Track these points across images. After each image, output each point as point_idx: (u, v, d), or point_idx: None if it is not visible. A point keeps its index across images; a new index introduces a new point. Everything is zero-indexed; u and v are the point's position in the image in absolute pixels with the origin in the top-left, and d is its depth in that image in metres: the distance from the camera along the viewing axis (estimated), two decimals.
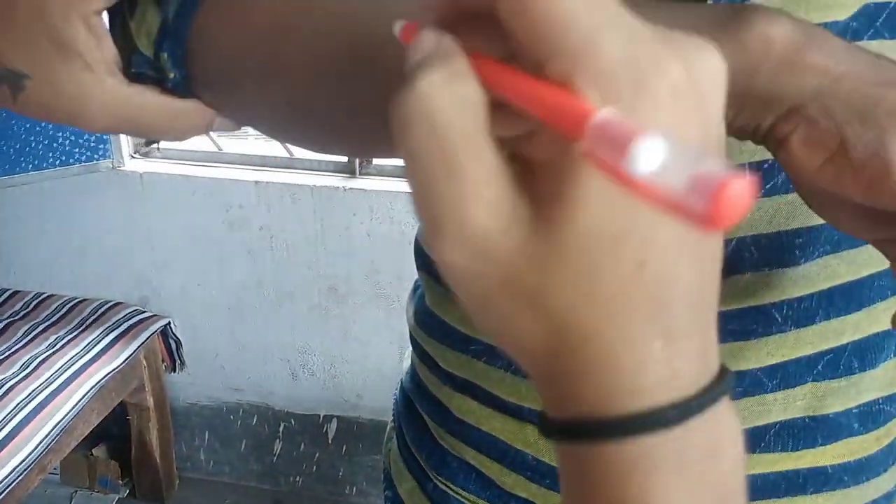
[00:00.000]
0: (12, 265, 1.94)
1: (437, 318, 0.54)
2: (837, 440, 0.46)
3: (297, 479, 1.95)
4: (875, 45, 0.36)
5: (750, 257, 0.42)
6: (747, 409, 0.44)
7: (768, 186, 0.41)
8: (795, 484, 0.47)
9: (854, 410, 0.46)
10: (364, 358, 1.83)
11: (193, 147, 1.86)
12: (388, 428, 0.66)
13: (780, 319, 0.43)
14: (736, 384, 0.44)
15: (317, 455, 1.94)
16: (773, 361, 0.44)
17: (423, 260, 0.56)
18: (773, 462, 0.46)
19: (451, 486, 0.55)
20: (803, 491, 0.47)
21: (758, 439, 0.46)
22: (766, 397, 0.44)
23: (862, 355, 0.45)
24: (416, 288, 0.60)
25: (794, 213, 0.41)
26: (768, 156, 0.40)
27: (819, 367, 0.45)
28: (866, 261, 0.44)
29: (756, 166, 0.41)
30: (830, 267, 0.43)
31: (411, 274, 0.58)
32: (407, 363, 0.64)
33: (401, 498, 0.61)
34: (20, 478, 1.36)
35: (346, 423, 1.91)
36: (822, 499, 0.47)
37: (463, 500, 0.55)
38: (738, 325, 0.43)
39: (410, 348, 0.61)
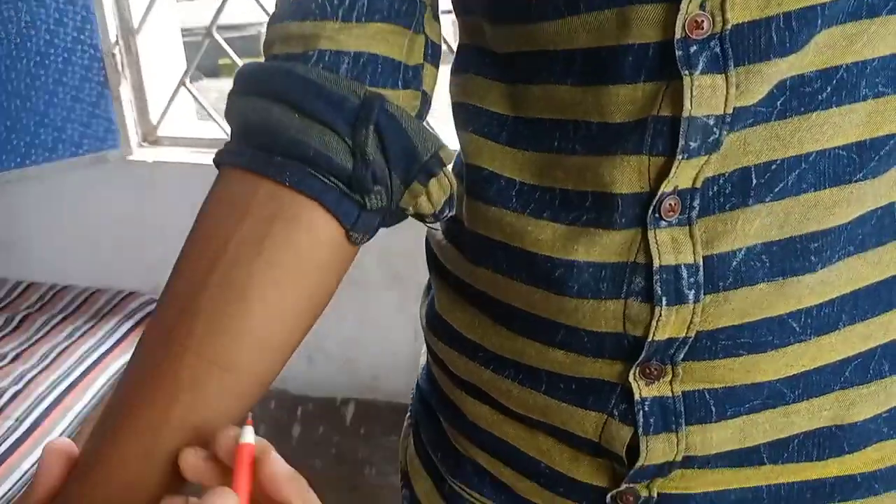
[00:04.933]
0: (27, 257, 1.95)
1: (446, 323, 0.53)
2: (866, 447, 0.45)
3: (317, 461, 1.96)
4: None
5: (762, 266, 0.40)
6: (769, 421, 0.43)
7: (777, 188, 0.39)
8: (822, 493, 0.45)
9: (884, 415, 0.44)
10: (380, 340, 1.84)
11: (202, 134, 1.85)
12: (405, 425, 0.66)
13: (798, 329, 0.41)
14: (753, 397, 0.42)
15: (335, 438, 1.95)
16: (794, 372, 0.42)
17: (434, 261, 0.56)
18: (797, 472, 0.45)
19: (466, 488, 0.55)
20: (831, 499, 0.45)
21: (781, 451, 0.44)
22: (788, 408, 0.43)
23: (893, 358, 0.43)
24: (429, 288, 0.59)
25: (808, 216, 0.39)
26: (776, 156, 0.39)
27: (846, 373, 0.43)
28: (893, 259, 0.42)
29: (763, 168, 0.39)
30: (853, 269, 0.41)
31: (425, 258, 0.57)
32: (423, 360, 0.64)
33: (417, 497, 0.61)
34: None
35: (363, 406, 1.92)
36: None
37: (477, 502, 0.54)
38: (751, 338, 0.41)
39: (425, 345, 0.61)
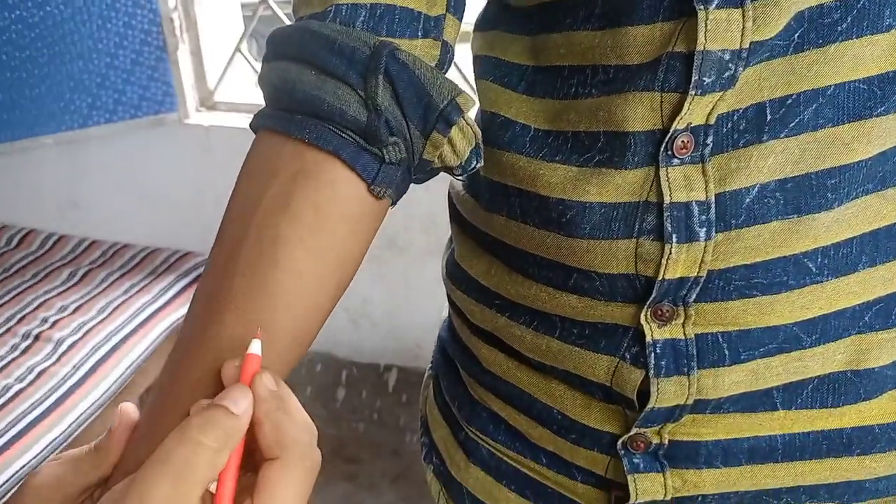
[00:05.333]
0: (90, 216, 2.03)
1: (464, 270, 0.53)
2: (883, 393, 0.44)
3: (360, 424, 2.00)
4: None
5: (775, 204, 0.39)
6: (782, 365, 0.42)
7: (793, 124, 0.38)
8: (839, 444, 0.44)
9: None
10: (423, 309, 1.85)
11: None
12: (426, 376, 0.67)
13: (814, 269, 0.40)
14: (768, 340, 0.41)
15: (378, 403, 1.99)
16: (811, 315, 0.41)
17: (454, 211, 0.56)
18: (812, 419, 0.44)
19: (481, 435, 0.56)
20: (848, 452, 0.44)
21: (794, 396, 0.44)
22: (804, 353, 0.42)
23: None
24: (451, 240, 0.60)
25: (826, 152, 0.38)
26: (792, 90, 0.38)
27: (866, 318, 0.42)
28: None
29: (778, 103, 0.38)
30: (872, 208, 0.40)
31: None
32: (445, 313, 0.64)
33: (436, 444, 0.62)
34: (98, 413, 1.45)
35: (405, 374, 1.95)
36: (870, 461, 0.45)
37: (493, 450, 0.55)
38: (765, 278, 0.40)
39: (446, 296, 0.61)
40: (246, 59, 1.84)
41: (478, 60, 0.50)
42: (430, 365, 0.67)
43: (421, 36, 0.41)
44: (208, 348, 0.38)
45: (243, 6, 1.97)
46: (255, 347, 0.36)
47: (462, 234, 0.55)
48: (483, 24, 0.51)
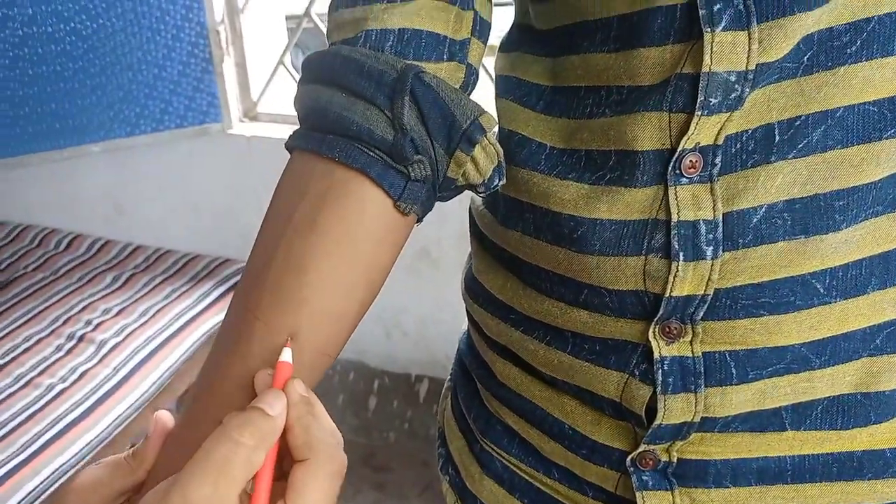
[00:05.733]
0: (135, 221, 2.09)
1: (480, 284, 0.54)
2: (894, 417, 0.43)
3: (390, 434, 2.02)
4: None
5: (783, 224, 0.39)
6: (790, 385, 0.42)
7: (801, 145, 0.38)
8: (850, 468, 0.44)
9: None
10: (455, 320, 1.86)
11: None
12: (444, 387, 0.68)
13: (822, 290, 0.40)
14: (776, 360, 0.41)
15: (409, 413, 2.00)
16: (819, 336, 0.41)
17: (473, 226, 0.57)
18: (822, 441, 0.44)
19: (496, 448, 0.56)
20: (860, 476, 0.44)
21: (803, 416, 0.43)
22: (812, 374, 0.42)
23: None
24: (470, 255, 0.61)
25: (834, 174, 0.38)
26: (801, 112, 0.38)
27: (877, 341, 0.41)
28: None
29: (787, 124, 0.38)
30: (882, 230, 0.40)
31: None
32: (465, 326, 0.65)
33: (452, 456, 0.63)
34: (136, 414, 1.49)
35: (436, 385, 1.96)
36: (882, 486, 0.44)
37: (506, 463, 0.56)
38: (772, 298, 0.40)
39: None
40: (288, 71, 1.88)
41: (499, 80, 0.52)
42: (449, 376, 0.68)
43: (446, 59, 0.43)
44: (239, 359, 0.39)
45: (287, 18, 2.02)
46: (287, 355, 0.38)
47: (480, 249, 0.56)
48: (507, 45, 0.52)
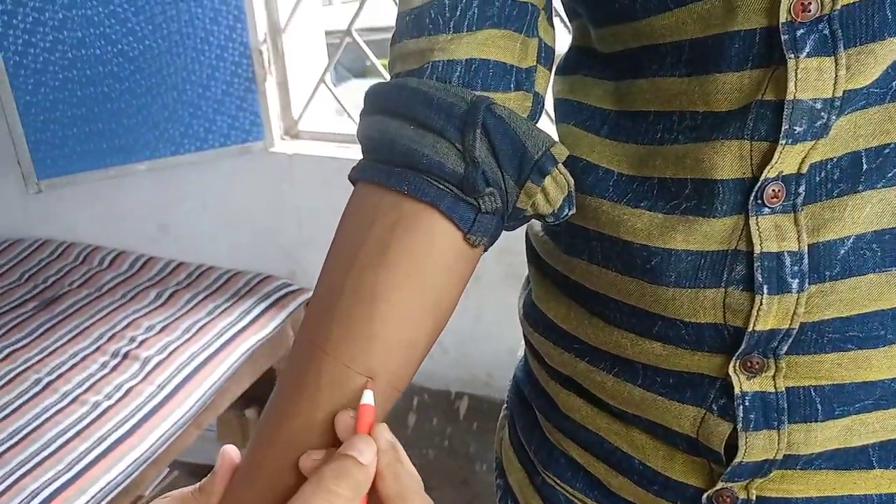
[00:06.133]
0: (178, 238, 2.12)
1: (542, 312, 0.53)
2: None
3: (430, 451, 2.00)
4: None
5: (872, 256, 0.38)
6: (879, 422, 0.40)
7: (891, 174, 0.37)
8: None
9: None
10: (495, 338, 1.85)
11: (339, 129, 1.94)
12: (501, 416, 0.67)
13: None
14: (864, 396, 0.40)
15: (448, 430, 1.98)
16: None
17: (532, 253, 0.56)
18: None
19: (559, 482, 0.55)
20: None
21: (891, 454, 0.42)
22: None
23: None
24: (528, 280, 0.59)
25: None
26: (889, 139, 0.37)
27: None
28: None
29: (875, 152, 0.37)
30: None
31: None
32: (521, 353, 0.64)
33: (511, 488, 0.61)
34: (180, 431, 1.50)
35: (476, 402, 1.94)
36: None
37: (570, 496, 0.54)
38: (860, 332, 0.38)
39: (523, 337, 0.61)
40: (329, 89, 1.90)
41: (558, 104, 0.51)
42: (505, 405, 0.66)
43: (514, 89, 0.42)
44: (308, 395, 0.39)
45: (327, 34, 2.04)
46: (368, 398, 0.37)
47: (540, 276, 0.54)
48: (564, 68, 0.51)
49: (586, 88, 0.48)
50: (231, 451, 0.41)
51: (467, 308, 1.85)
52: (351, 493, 0.34)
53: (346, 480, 0.34)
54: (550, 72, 0.45)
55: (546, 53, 0.44)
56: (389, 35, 0.45)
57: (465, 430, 1.97)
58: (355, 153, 1.83)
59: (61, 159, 1.70)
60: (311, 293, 1.92)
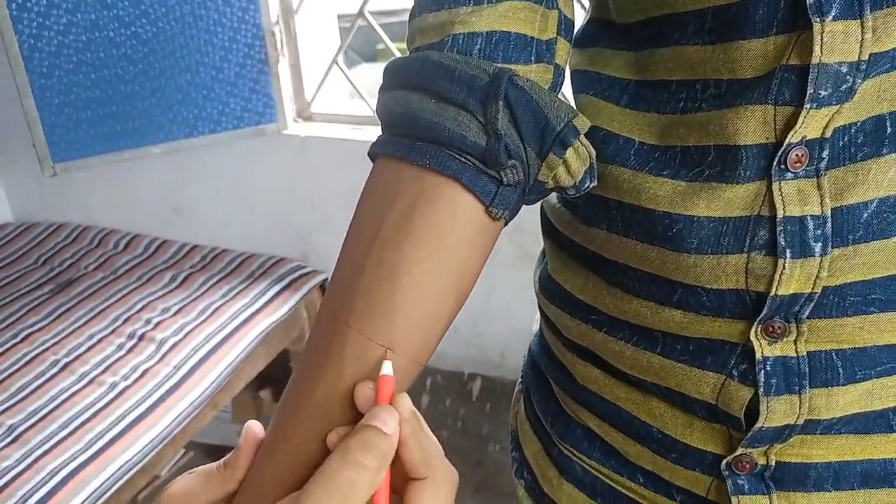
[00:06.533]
0: (193, 222, 2.13)
1: (558, 285, 0.53)
2: None
3: (443, 432, 2.01)
4: None
5: (895, 219, 0.37)
6: None
7: None
8: None
9: None
10: (507, 318, 1.85)
11: (351, 111, 1.94)
12: (516, 390, 0.67)
13: None
14: (886, 359, 0.40)
15: (461, 411, 1.99)
16: None
17: (548, 225, 0.56)
18: None
19: (575, 452, 0.55)
20: None
21: None
22: None
23: None
24: (543, 254, 0.59)
25: None
26: None
27: None
28: None
29: None
30: None
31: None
32: (536, 327, 0.64)
33: (527, 460, 0.61)
34: (196, 412, 1.52)
35: (489, 383, 1.95)
36: None
37: (587, 466, 0.54)
38: (883, 294, 0.38)
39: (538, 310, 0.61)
40: (342, 70, 1.89)
41: (575, 75, 0.50)
42: (520, 379, 0.66)
43: (535, 61, 0.42)
44: (331, 369, 0.39)
45: (339, 17, 2.03)
46: (388, 368, 0.37)
47: (556, 248, 0.54)
48: (582, 41, 0.51)
49: (605, 59, 0.47)
50: (255, 427, 0.41)
51: (480, 288, 1.85)
52: (377, 464, 0.34)
53: (371, 451, 0.34)
54: (570, 44, 0.45)
55: (566, 25, 0.43)
56: (400, 19, 0.45)
57: (477, 411, 1.98)
58: (368, 135, 1.83)
59: (76, 142, 1.71)
60: (324, 275, 1.94)
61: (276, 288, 1.82)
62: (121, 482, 1.35)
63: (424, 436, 0.37)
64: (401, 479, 0.37)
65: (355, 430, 0.36)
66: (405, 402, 0.37)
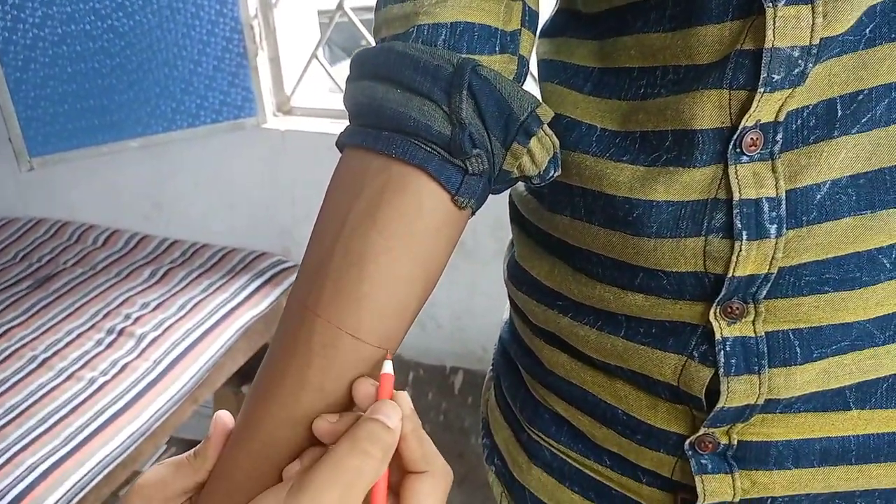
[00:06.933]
0: (172, 216, 2.12)
1: (525, 271, 0.54)
2: None
3: (425, 426, 2.02)
4: None
5: (847, 200, 0.38)
6: (855, 364, 0.41)
7: (864, 119, 0.37)
8: None
9: None
10: (490, 312, 1.85)
11: (331, 105, 1.93)
12: (487, 378, 0.68)
13: (888, 265, 0.39)
14: (840, 337, 0.41)
15: (443, 405, 2.00)
16: (885, 312, 0.40)
17: (515, 212, 0.56)
18: (887, 420, 0.43)
19: (544, 437, 0.56)
20: None
21: (868, 395, 0.43)
22: (877, 350, 0.41)
23: None
24: (512, 243, 0.60)
25: None
26: (863, 86, 0.37)
27: None
28: None
29: (849, 98, 0.37)
30: None
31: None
32: (506, 315, 0.65)
33: (497, 446, 0.62)
34: (176, 407, 1.51)
35: (471, 376, 1.96)
36: None
37: (556, 451, 0.55)
38: (837, 274, 0.39)
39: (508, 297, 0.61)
40: (322, 65, 1.89)
41: (542, 65, 0.51)
42: (490, 367, 0.67)
43: (499, 52, 0.42)
44: (300, 357, 0.39)
45: (320, 13, 2.02)
46: (388, 367, 0.39)
47: (523, 235, 0.55)
48: (550, 31, 0.52)
49: (571, 48, 0.48)
50: (224, 417, 0.41)
51: (462, 283, 1.86)
52: (381, 455, 0.35)
53: (378, 442, 0.35)
54: (535, 35, 0.45)
55: (530, 17, 0.44)
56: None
57: (459, 405, 1.98)
58: None
59: (53, 136, 1.70)
60: None
61: (257, 283, 1.82)
62: (100, 477, 1.34)
63: (423, 433, 0.38)
64: (395, 474, 0.38)
65: (360, 422, 0.36)
66: (406, 399, 0.38)
